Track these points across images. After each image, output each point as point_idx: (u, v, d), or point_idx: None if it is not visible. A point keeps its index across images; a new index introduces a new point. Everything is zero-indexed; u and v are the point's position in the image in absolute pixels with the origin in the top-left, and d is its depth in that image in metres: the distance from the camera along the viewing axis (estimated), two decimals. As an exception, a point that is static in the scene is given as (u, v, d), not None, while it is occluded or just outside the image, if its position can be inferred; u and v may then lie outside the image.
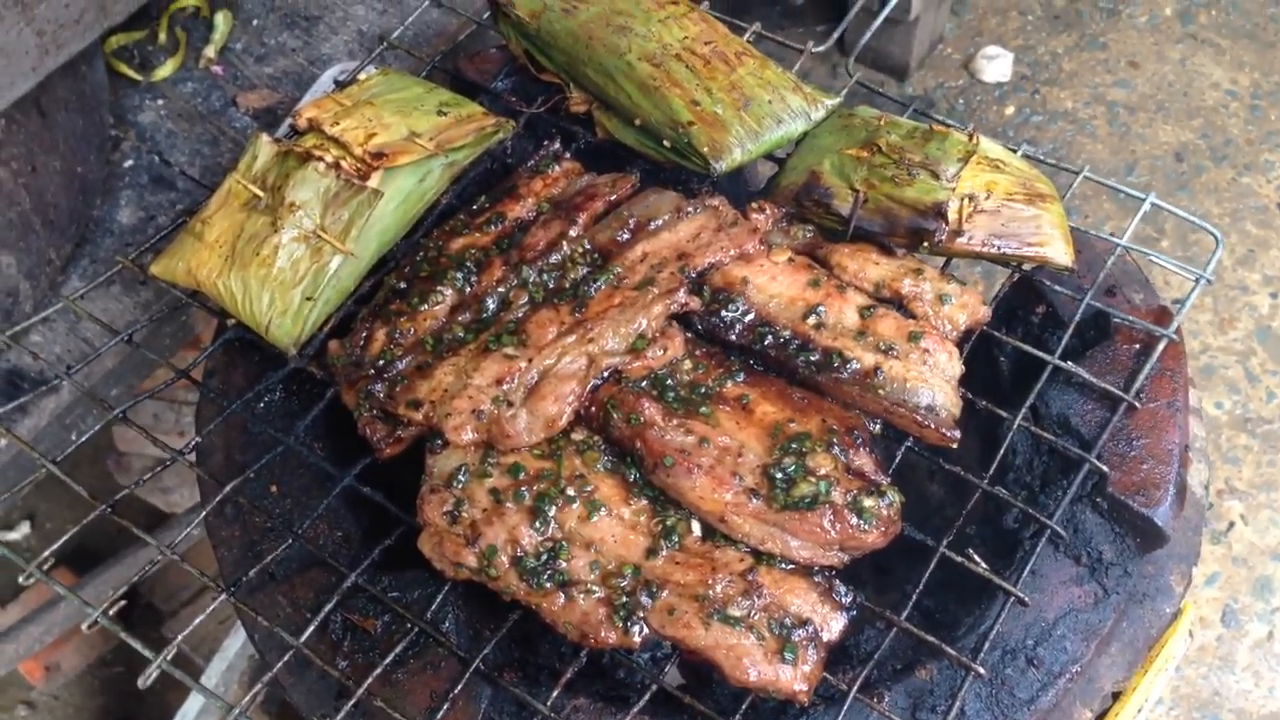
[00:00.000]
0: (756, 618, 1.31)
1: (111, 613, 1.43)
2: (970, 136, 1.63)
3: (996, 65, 4.06)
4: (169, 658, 1.38)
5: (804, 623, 1.31)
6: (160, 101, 2.21)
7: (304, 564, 1.52)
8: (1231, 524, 3.22)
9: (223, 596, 1.44)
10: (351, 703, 1.36)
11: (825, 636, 1.33)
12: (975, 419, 1.55)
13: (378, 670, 1.37)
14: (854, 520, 1.35)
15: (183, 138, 2.17)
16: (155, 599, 3.11)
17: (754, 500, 1.35)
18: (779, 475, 1.37)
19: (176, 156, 2.13)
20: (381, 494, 1.51)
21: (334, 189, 1.61)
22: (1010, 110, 4.02)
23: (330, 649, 1.43)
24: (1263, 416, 3.37)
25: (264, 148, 1.66)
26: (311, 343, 1.63)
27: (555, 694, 1.33)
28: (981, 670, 1.35)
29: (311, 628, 1.40)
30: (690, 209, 1.64)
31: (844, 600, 1.37)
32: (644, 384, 1.47)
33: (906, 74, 4.05)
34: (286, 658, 1.40)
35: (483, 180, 1.82)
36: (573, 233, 1.63)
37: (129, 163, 2.13)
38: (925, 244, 1.56)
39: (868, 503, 1.37)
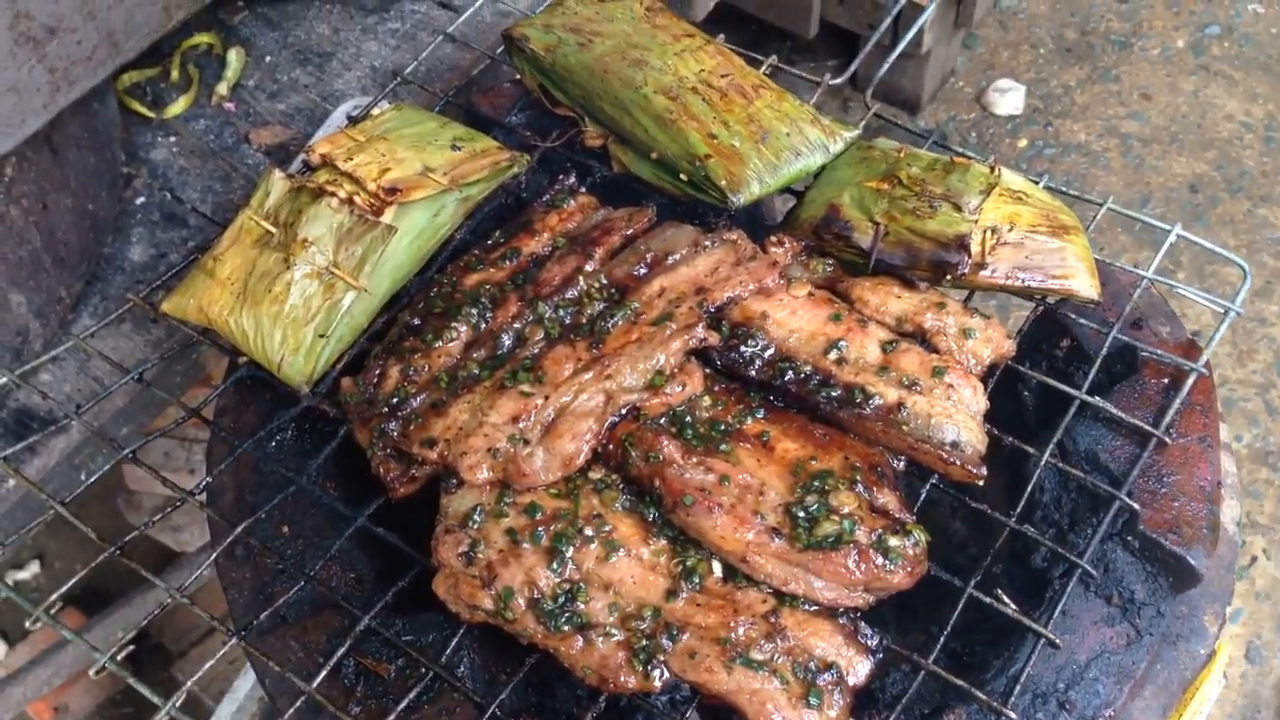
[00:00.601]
0: (780, 661, 1.28)
1: (120, 657, 1.40)
2: (992, 168, 1.60)
3: (1009, 98, 4.05)
4: (178, 704, 1.35)
5: (829, 666, 1.28)
6: (172, 138, 2.20)
7: (316, 606, 1.49)
8: (1254, 559, 3.17)
9: (233, 640, 1.40)
10: (365, 750, 1.33)
11: (851, 680, 1.29)
12: (1000, 455, 1.51)
13: (391, 716, 1.34)
14: (879, 560, 1.32)
15: (195, 174, 2.15)
16: (165, 639, 3.07)
17: (776, 540, 1.32)
18: (801, 514, 1.33)
19: (188, 193, 2.11)
20: (395, 535, 1.48)
21: (347, 225, 1.59)
22: (1023, 143, 4.01)
23: (343, 694, 1.40)
24: (1284, 450, 3.33)
25: (276, 183, 1.65)
26: (324, 380, 1.60)
27: (574, 741, 1.29)
28: (1013, 715, 1.31)
29: (324, 673, 1.37)
30: (708, 243, 1.62)
31: (870, 643, 1.34)
32: (662, 421, 1.43)
33: (919, 108, 4.04)
34: (298, 704, 1.37)
35: (497, 215, 1.80)
36: (589, 267, 1.61)
37: (140, 200, 2.12)
38: (948, 277, 1.53)
39: (893, 542, 1.34)
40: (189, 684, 1.35)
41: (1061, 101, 4.10)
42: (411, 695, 1.36)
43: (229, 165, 2.15)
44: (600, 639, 1.29)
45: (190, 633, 3.04)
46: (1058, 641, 1.36)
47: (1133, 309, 1.62)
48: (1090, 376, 1.54)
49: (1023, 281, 1.55)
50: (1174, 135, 4.00)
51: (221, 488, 1.62)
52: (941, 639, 1.35)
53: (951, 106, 4.12)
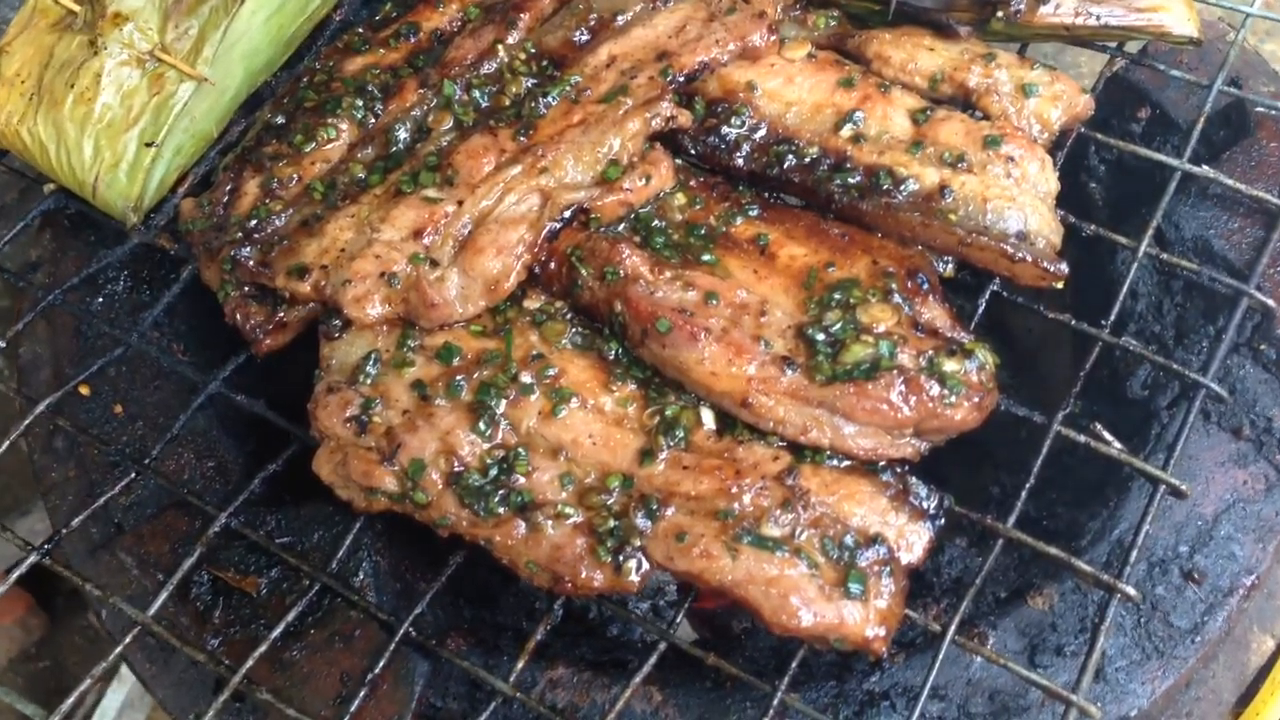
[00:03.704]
0: (804, 537, 0.97)
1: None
2: (1042, -125, 1.20)
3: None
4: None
5: (872, 540, 0.97)
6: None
7: (162, 508, 1.09)
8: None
9: (31, 557, 1.00)
10: (226, 695, 0.94)
11: (904, 557, 0.98)
12: (1063, 254, 1.14)
13: (262, 648, 0.97)
14: (934, 389, 1.00)
15: None
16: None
17: (788, 372, 1.02)
18: (821, 337, 1.03)
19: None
20: (262, 404, 1.08)
21: None
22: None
23: (195, 622, 1.02)
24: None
25: (79, -54, 1.22)
26: (162, 209, 1.20)
27: (521, 664, 0.99)
28: (1131, 591, 0.95)
29: (164, 594, 1.00)
30: None
31: (925, 505, 1.00)
32: (622, 228, 1.13)
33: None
34: (129, 638, 0.98)
35: (390, -1, 1.39)
36: (511, 39, 1.21)
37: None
38: (998, 15, 1.17)
39: (950, 366, 1.03)
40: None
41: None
42: (290, 617, 1.01)
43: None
44: (550, 523, 0.99)
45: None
46: (1183, 488, 0.98)
47: (1231, 59, 1.23)
48: (1192, 143, 1.15)
49: (1098, 19, 1.19)
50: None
51: (35, 361, 1.22)
52: (1023, 493, 0.99)
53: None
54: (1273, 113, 1.20)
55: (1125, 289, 1.11)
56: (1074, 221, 1.12)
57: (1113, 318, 1.09)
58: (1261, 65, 1.32)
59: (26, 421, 1.07)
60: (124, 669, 2.20)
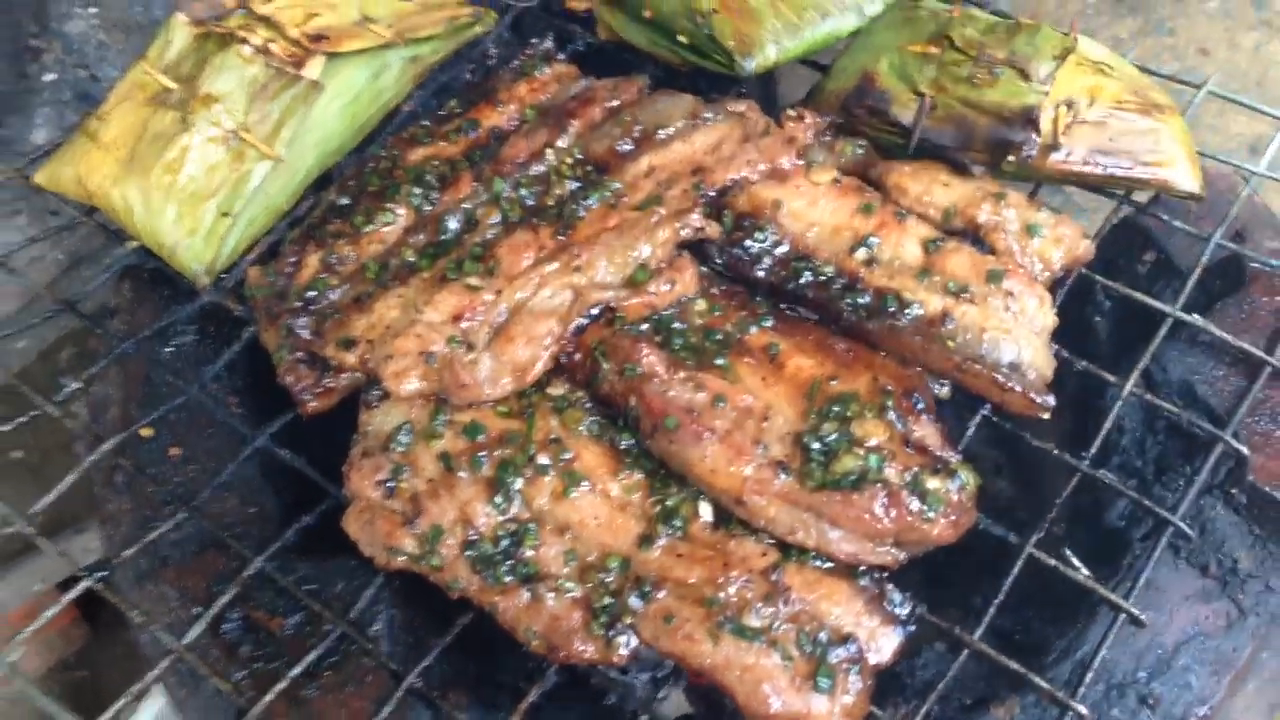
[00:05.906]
0: (782, 630, 1.03)
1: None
2: (1067, 33, 1.29)
3: (1055, 45, 3.71)
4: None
5: (844, 639, 1.03)
6: (93, 10, 1.90)
7: (204, 546, 1.19)
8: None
9: (86, 582, 1.10)
10: (245, 727, 1.03)
11: (872, 658, 1.04)
12: (1064, 389, 1.20)
13: (281, 684, 1.06)
14: (914, 505, 1.05)
15: (116, 50, 1.86)
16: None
17: (782, 476, 1.07)
18: (816, 445, 1.08)
19: (107, 71, 1.83)
20: (304, 459, 1.18)
21: (261, 79, 1.29)
22: (1069, 94, 3.66)
23: (225, 654, 1.11)
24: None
25: (179, 30, 1.35)
26: (233, 272, 1.31)
27: (513, 723, 1.00)
28: (1083, 710, 1.01)
29: (199, 626, 1.08)
30: (709, 115, 1.32)
31: (898, 612, 1.06)
32: (644, 327, 1.19)
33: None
34: (165, 664, 1.07)
35: (459, 93, 1.49)
36: (561, 143, 1.31)
37: (50, 76, 1.82)
38: (1010, 159, 1.24)
39: (932, 484, 1.07)
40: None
41: (1113, 53, 3.76)
42: (310, 658, 1.09)
43: (156, 39, 1.85)
44: (551, 594, 1.06)
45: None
46: (1142, 618, 1.05)
47: (1229, 214, 1.30)
48: (1186, 291, 1.22)
49: (1105, 169, 1.25)
50: (1233, 93, 3.66)
51: (106, 401, 1.32)
52: (992, 609, 1.05)
53: (992, 52, 3.78)
54: (1267, 269, 1.27)
55: (1109, 423, 1.18)
56: (1066, 356, 1.20)
57: (1094, 450, 1.16)
58: (1269, 218, 1.38)
59: (92, 458, 1.18)
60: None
